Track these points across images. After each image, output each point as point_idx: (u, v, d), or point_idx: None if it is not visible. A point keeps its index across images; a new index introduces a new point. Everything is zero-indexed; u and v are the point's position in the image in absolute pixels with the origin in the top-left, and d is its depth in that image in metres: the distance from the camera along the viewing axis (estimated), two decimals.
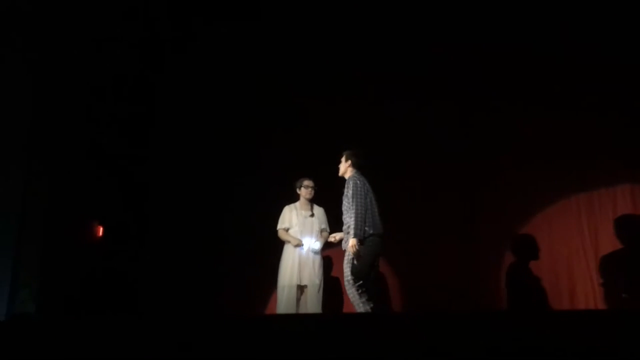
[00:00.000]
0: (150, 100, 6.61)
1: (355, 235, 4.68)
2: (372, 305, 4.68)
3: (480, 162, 5.93)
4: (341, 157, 5.19)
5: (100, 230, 6.11)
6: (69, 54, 5.88)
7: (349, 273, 4.69)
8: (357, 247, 4.66)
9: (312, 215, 5.47)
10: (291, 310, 5.12)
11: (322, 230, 5.48)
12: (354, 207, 4.75)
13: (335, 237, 5.14)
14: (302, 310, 5.15)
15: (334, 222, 5.32)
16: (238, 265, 6.09)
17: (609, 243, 5.40)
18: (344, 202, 4.95)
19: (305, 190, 5.49)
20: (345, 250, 4.84)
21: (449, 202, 5.95)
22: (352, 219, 4.73)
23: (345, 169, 5.13)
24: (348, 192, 4.88)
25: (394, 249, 5.79)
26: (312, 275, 5.25)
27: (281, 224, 5.46)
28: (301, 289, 5.27)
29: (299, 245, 5.30)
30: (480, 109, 6.01)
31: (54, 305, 5.41)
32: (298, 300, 5.23)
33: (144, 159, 6.49)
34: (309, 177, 5.57)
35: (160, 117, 6.62)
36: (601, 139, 5.51)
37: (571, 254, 5.55)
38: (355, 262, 4.69)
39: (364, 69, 6.29)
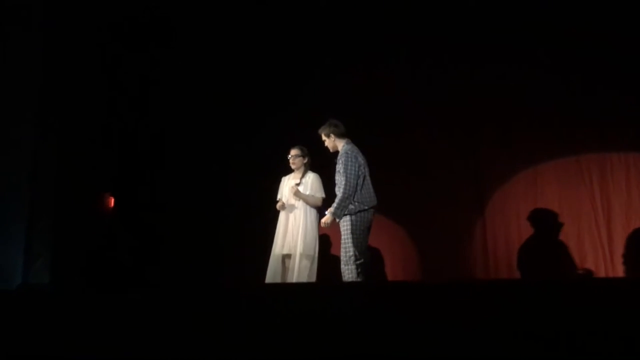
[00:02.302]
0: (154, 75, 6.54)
1: (333, 215, 4.65)
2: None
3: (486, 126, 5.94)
4: (320, 134, 5.00)
5: (112, 201, 6.14)
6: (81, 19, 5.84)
7: (352, 248, 4.62)
8: (328, 224, 4.70)
9: (299, 183, 5.26)
10: (276, 280, 5.03)
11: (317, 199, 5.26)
12: (343, 187, 4.66)
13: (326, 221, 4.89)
14: (291, 281, 5.01)
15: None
16: (248, 236, 6.07)
17: (622, 213, 5.37)
18: (336, 177, 4.83)
19: (290, 161, 5.36)
20: (339, 224, 4.75)
21: (455, 170, 5.94)
22: (339, 195, 4.66)
23: (334, 143, 4.96)
24: (341, 167, 4.74)
25: (393, 217, 5.83)
26: (302, 245, 5.07)
27: (278, 195, 5.38)
28: (287, 258, 5.14)
29: (280, 207, 5.22)
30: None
31: (67, 275, 5.47)
32: (286, 270, 5.12)
33: (155, 133, 6.46)
34: (294, 146, 5.37)
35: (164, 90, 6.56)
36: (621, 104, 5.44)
37: (582, 225, 5.52)
38: (354, 236, 4.63)
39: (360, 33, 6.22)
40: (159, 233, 6.17)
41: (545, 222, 5.57)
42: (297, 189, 5.18)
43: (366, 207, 4.70)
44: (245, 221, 6.10)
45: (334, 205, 4.67)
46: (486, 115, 5.94)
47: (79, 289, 4.92)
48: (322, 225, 4.77)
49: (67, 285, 5.37)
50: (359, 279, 4.59)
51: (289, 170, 5.42)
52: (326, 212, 4.78)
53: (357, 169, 4.72)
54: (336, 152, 4.94)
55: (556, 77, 5.67)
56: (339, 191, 4.76)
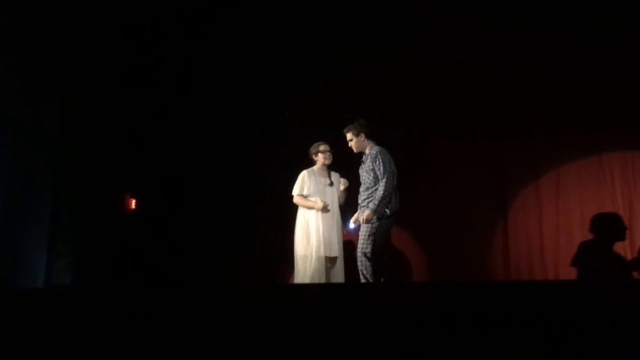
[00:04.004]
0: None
1: (375, 212, 4.61)
2: (383, 280, 4.67)
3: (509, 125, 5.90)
4: (346, 134, 4.95)
5: (133, 203, 6.20)
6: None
7: (369, 248, 4.62)
8: (372, 221, 4.62)
9: (332, 184, 5.14)
10: (321, 281, 4.91)
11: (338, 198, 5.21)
12: (384, 185, 4.64)
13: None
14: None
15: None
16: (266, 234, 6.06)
17: None
18: (364, 176, 4.82)
19: (322, 156, 5.13)
20: (363, 223, 4.74)
21: (478, 172, 5.90)
22: (379, 194, 4.64)
23: (361, 143, 4.91)
24: (378, 166, 4.70)
25: (414, 219, 5.80)
26: (341, 247, 5.07)
27: (299, 190, 5.08)
28: (331, 260, 5.02)
29: (325, 208, 5.01)
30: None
31: (89, 275, 5.53)
32: (328, 271, 4.99)
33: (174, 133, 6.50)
34: (324, 142, 5.20)
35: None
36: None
37: None
38: (375, 237, 4.64)
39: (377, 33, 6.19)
40: (178, 233, 6.23)
41: (567, 223, 5.51)
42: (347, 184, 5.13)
43: (393, 211, 4.73)
44: (259, 219, 6.13)
45: (375, 202, 4.62)
46: (509, 116, 5.91)
47: (99, 289, 4.97)
48: (363, 222, 4.65)
49: (88, 286, 5.44)
50: (375, 275, 4.61)
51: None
52: (362, 211, 4.75)
53: (394, 168, 4.75)
54: (359, 153, 4.95)
55: (577, 77, 5.62)
56: (368, 189, 4.76)
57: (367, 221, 4.63)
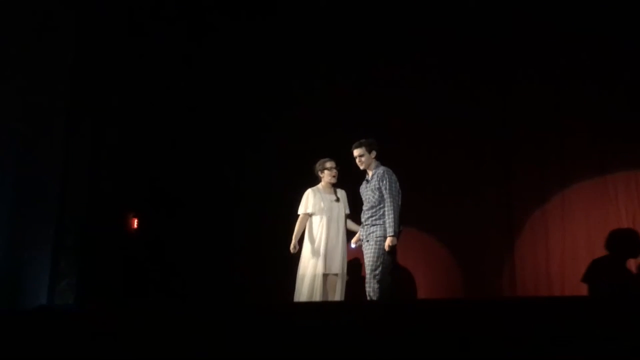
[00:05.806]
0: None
1: (393, 234, 4.63)
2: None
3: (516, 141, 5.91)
4: (356, 149, 4.91)
5: (135, 222, 6.20)
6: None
7: (379, 270, 4.63)
8: (394, 245, 4.65)
9: (338, 200, 5.06)
10: (316, 298, 4.83)
11: (347, 216, 5.13)
12: (390, 204, 4.67)
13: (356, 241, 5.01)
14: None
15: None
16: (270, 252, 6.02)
17: None
18: (369, 194, 4.82)
19: (329, 173, 5.04)
20: (367, 242, 4.76)
21: (486, 192, 5.91)
22: (389, 216, 4.66)
23: (371, 161, 4.91)
24: (385, 185, 4.72)
25: (423, 238, 5.81)
26: (343, 265, 4.98)
27: (305, 209, 4.99)
28: (330, 278, 4.93)
29: (294, 248, 4.92)
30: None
31: (92, 295, 5.51)
32: (325, 289, 4.91)
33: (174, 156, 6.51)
34: (330, 159, 5.12)
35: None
36: None
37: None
38: (383, 259, 4.65)
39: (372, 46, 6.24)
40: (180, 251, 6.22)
41: (572, 243, 5.49)
42: None
43: (400, 229, 4.75)
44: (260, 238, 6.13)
45: (390, 226, 4.64)
46: (517, 139, 5.92)
47: (102, 309, 4.95)
48: (387, 249, 4.64)
49: (91, 306, 5.42)
50: (382, 298, 4.59)
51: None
52: (369, 231, 4.77)
53: (399, 189, 4.78)
54: (364, 171, 4.96)
55: (582, 98, 5.63)
56: (374, 208, 4.77)
57: (392, 247, 4.64)
